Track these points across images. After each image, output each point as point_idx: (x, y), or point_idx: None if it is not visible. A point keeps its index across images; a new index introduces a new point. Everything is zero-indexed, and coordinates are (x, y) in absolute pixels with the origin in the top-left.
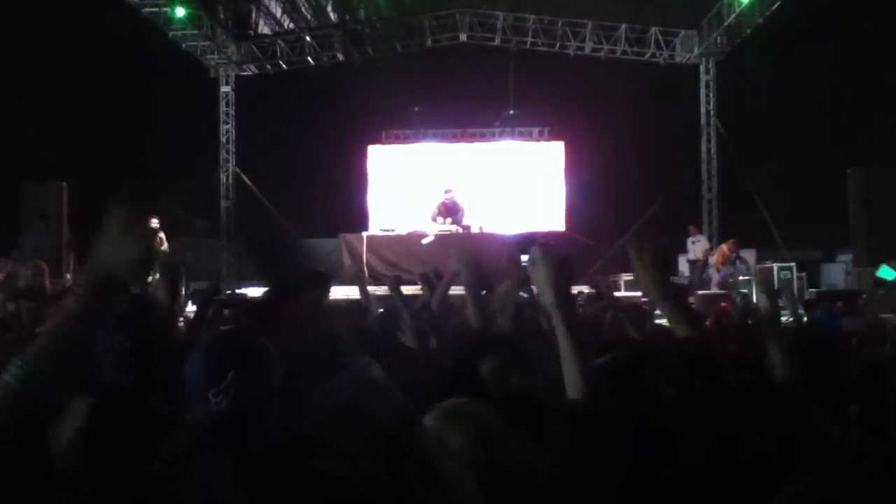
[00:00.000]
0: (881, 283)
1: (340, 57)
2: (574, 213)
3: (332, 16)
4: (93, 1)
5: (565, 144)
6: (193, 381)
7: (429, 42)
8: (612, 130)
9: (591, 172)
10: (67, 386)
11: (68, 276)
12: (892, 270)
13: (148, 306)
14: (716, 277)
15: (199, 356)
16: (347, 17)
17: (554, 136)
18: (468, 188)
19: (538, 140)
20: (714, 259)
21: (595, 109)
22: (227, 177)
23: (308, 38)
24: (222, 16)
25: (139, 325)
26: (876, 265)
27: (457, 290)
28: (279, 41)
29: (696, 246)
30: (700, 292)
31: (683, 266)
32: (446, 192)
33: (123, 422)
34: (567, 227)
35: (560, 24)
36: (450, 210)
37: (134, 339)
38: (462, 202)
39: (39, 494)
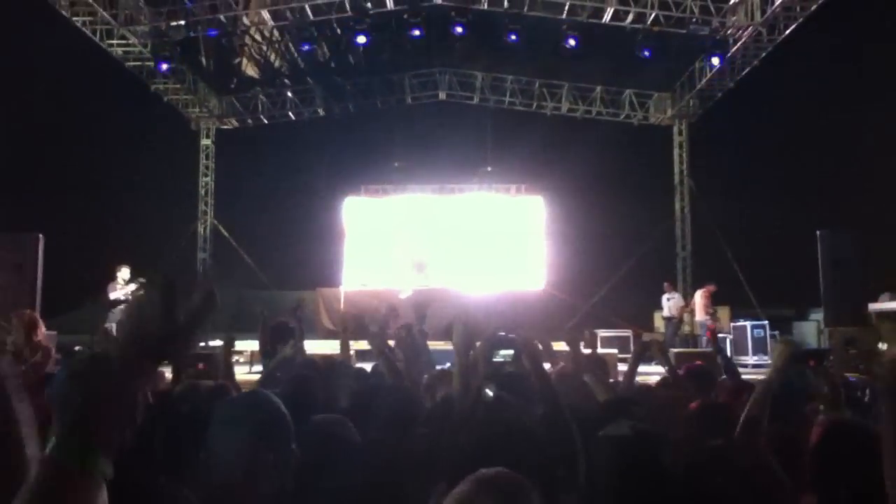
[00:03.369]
0: (851, 342)
1: (321, 112)
2: (552, 268)
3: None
4: (76, 53)
5: (543, 200)
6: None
7: (409, 99)
8: (588, 188)
9: (568, 229)
10: (110, 454)
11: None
12: None
13: (105, 364)
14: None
15: None
16: (333, 63)
17: (530, 194)
18: (446, 243)
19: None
20: (699, 305)
21: (571, 168)
22: (206, 228)
23: (289, 94)
24: (204, 70)
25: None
26: (844, 324)
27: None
28: (260, 96)
29: (671, 303)
30: (675, 350)
31: (659, 323)
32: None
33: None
34: (546, 283)
35: (537, 84)
36: (419, 267)
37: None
38: (428, 257)
39: None
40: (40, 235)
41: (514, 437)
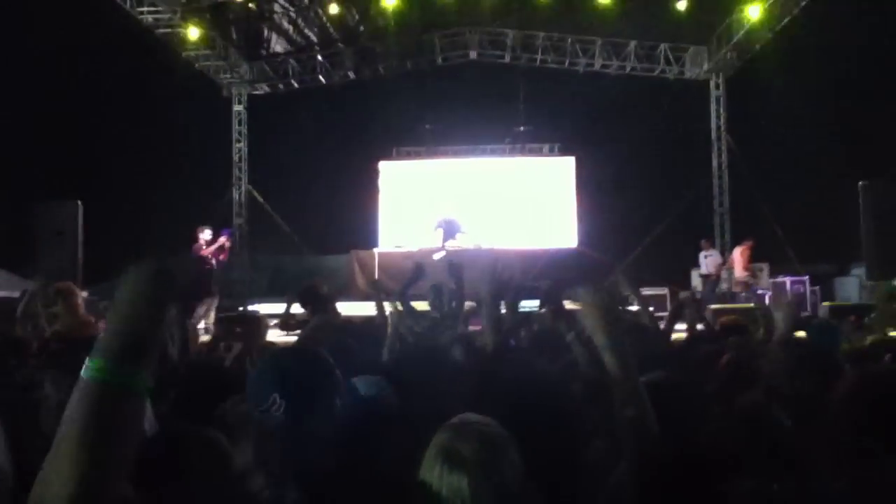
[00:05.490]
0: (894, 296)
1: (352, 75)
2: (585, 228)
3: (337, 35)
4: (107, 22)
5: (576, 160)
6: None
7: (439, 60)
8: (623, 146)
9: (602, 187)
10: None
11: (84, 294)
12: None
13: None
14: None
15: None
16: (362, 27)
17: (564, 152)
18: (479, 204)
19: (549, 156)
20: (738, 262)
21: (605, 125)
22: (240, 194)
23: (319, 58)
24: (234, 36)
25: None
26: (889, 278)
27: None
28: (291, 60)
29: (709, 260)
30: (712, 307)
31: (696, 281)
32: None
33: None
34: (578, 242)
35: (569, 41)
36: (451, 224)
37: None
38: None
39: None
40: (79, 203)
41: (542, 386)
